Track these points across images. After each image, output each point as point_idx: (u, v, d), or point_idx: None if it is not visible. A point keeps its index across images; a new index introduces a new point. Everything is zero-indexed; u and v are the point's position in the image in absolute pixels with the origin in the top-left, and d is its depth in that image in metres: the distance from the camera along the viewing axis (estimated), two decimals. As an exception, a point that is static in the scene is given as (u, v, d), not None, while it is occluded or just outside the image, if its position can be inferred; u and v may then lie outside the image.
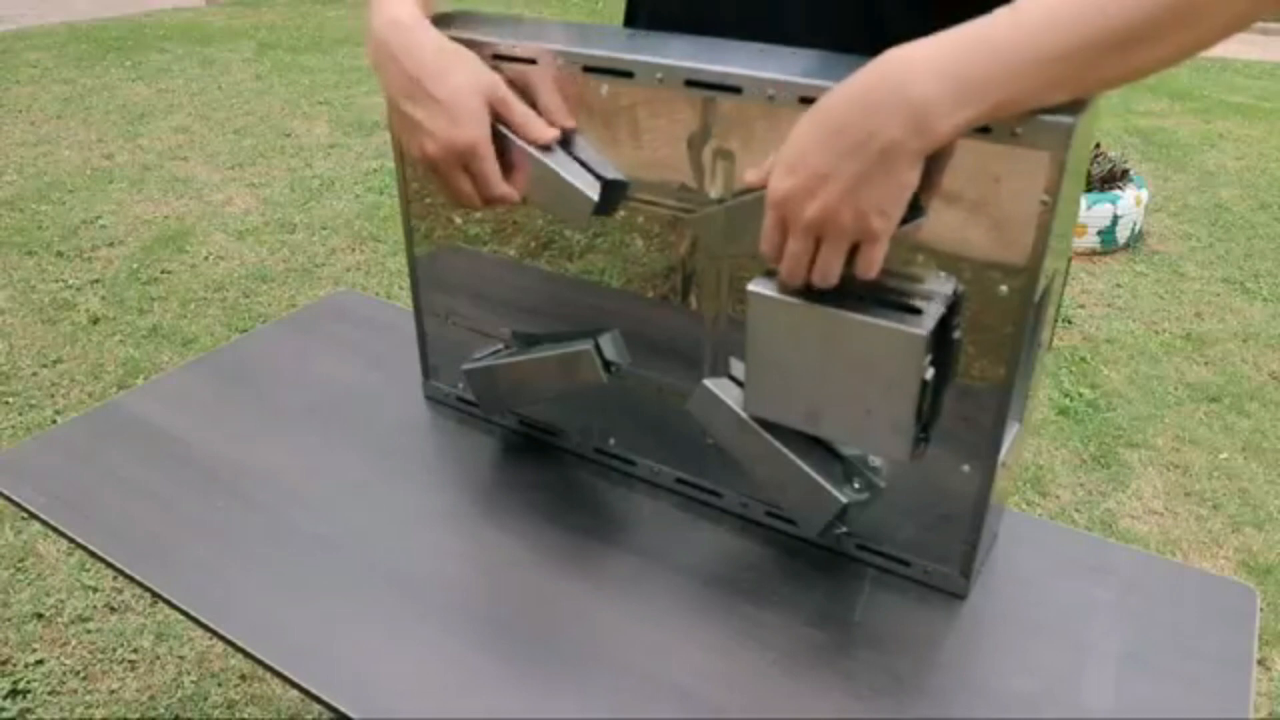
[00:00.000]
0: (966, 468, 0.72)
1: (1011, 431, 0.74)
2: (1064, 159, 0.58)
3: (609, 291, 0.84)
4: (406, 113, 0.72)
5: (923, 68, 0.55)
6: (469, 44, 0.78)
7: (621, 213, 0.79)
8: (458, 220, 0.90)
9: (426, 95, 0.71)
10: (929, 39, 0.56)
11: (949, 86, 0.55)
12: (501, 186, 0.73)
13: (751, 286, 0.69)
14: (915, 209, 0.62)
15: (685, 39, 0.76)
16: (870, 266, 0.61)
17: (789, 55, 0.71)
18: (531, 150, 0.73)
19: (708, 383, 0.75)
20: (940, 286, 0.65)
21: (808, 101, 0.66)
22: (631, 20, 0.93)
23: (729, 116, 0.70)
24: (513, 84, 0.75)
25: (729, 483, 0.86)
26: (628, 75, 0.73)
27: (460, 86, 0.71)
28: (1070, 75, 0.54)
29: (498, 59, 0.78)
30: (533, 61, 0.76)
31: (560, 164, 0.74)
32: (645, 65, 0.72)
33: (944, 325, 0.65)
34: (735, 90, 0.69)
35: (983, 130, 0.60)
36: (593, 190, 0.73)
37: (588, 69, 0.74)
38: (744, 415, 0.73)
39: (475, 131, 0.71)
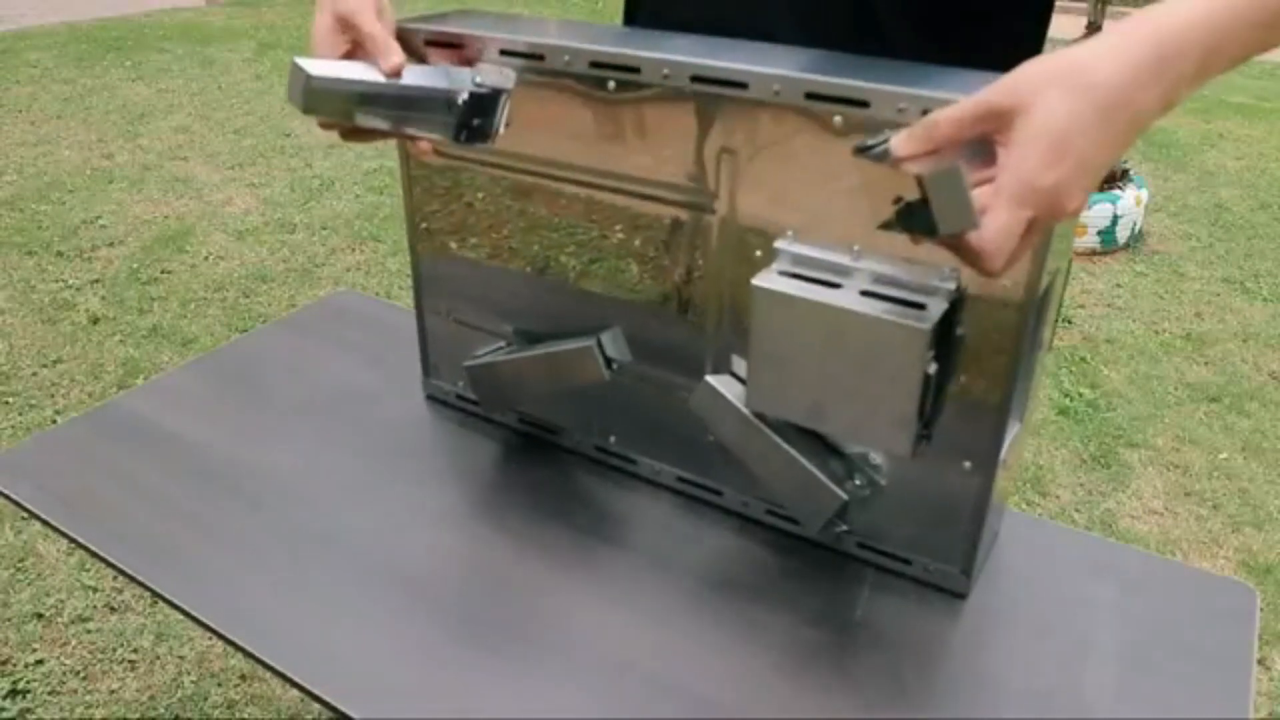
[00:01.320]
0: (967, 465, 0.72)
1: (1012, 431, 0.74)
2: None
3: (611, 287, 0.84)
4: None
5: (1192, 39, 0.50)
6: (471, 40, 0.79)
7: (628, 205, 0.79)
8: (453, 246, 0.90)
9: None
10: (1173, 5, 0.50)
11: (1200, 60, 0.51)
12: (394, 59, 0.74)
13: (756, 281, 0.69)
14: (932, 230, 0.62)
15: (690, 37, 0.76)
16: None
17: (793, 53, 0.71)
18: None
19: (710, 379, 0.75)
20: (943, 282, 0.66)
21: (814, 98, 0.66)
22: (630, 21, 0.93)
23: (733, 112, 0.70)
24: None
25: (730, 481, 0.86)
26: (634, 71, 0.73)
27: (320, 23, 0.75)
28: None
29: (505, 54, 0.78)
30: (540, 58, 0.77)
31: None
32: (651, 61, 0.72)
33: (946, 321, 0.65)
34: (741, 86, 0.69)
35: None
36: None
37: (594, 65, 0.75)
38: (746, 411, 0.73)
39: (321, 47, 0.75)
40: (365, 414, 1.01)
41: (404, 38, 0.82)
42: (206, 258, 3.02)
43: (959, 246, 0.56)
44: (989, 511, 0.75)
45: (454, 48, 0.81)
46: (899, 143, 0.56)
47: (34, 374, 2.38)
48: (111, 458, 0.94)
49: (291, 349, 1.13)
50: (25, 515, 0.88)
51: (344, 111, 0.74)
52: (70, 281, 2.83)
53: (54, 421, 2.19)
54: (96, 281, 2.84)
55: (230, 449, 0.95)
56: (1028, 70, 0.52)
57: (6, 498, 0.88)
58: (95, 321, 2.63)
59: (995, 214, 0.54)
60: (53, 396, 2.30)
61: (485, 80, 0.78)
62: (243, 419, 1.01)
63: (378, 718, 0.68)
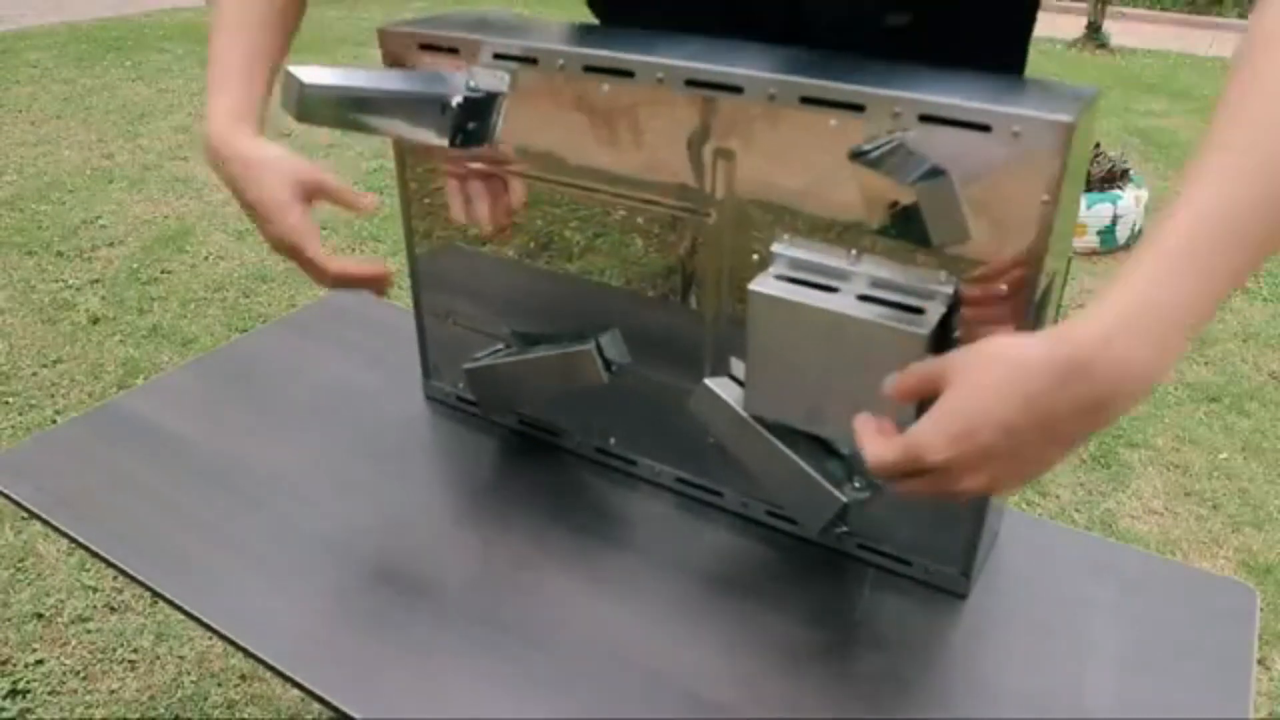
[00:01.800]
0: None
1: None
2: (1064, 158, 0.58)
3: (609, 290, 0.84)
4: (245, 213, 0.79)
5: (1134, 335, 0.48)
6: (465, 44, 0.79)
7: (622, 212, 0.79)
8: (459, 220, 0.90)
9: (245, 204, 0.78)
10: (1112, 308, 0.49)
11: (1159, 355, 0.49)
12: (336, 267, 0.78)
13: (753, 285, 0.69)
14: (925, 240, 0.63)
15: (685, 38, 0.76)
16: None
17: (790, 54, 0.71)
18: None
19: (708, 382, 0.75)
20: (941, 286, 0.66)
21: (809, 101, 0.66)
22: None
23: (729, 115, 0.70)
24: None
25: (729, 482, 0.86)
26: (628, 75, 0.73)
27: (266, 185, 0.76)
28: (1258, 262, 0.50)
29: (498, 58, 0.78)
30: (534, 61, 0.76)
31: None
32: (646, 65, 0.72)
33: (945, 325, 0.65)
34: (736, 90, 0.69)
35: (983, 129, 0.60)
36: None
37: (588, 68, 0.74)
38: (744, 414, 0.73)
39: (289, 230, 0.76)
40: (365, 414, 1.01)
41: (398, 40, 0.83)
42: (206, 258, 3.02)
43: (863, 433, 0.58)
44: (988, 512, 0.75)
45: (448, 51, 0.80)
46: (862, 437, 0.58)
47: (34, 374, 2.38)
48: (111, 458, 0.94)
49: (291, 349, 1.13)
50: (25, 515, 0.88)
51: (339, 119, 0.74)
52: (70, 281, 2.83)
53: (54, 421, 2.20)
54: (96, 281, 2.84)
55: (230, 449, 0.95)
56: (970, 352, 0.53)
57: (6, 498, 0.88)
58: (95, 321, 2.63)
59: (890, 448, 0.54)
60: (53, 396, 2.30)
61: (479, 84, 0.78)
62: (243, 419, 1.01)
63: (377, 717, 0.68)
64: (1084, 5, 7.50)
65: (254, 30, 0.81)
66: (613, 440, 0.91)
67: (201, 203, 3.41)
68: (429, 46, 0.81)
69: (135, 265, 2.94)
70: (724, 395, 0.74)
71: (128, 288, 2.81)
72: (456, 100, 0.76)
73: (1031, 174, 0.60)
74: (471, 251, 0.91)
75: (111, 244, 3.08)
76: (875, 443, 0.56)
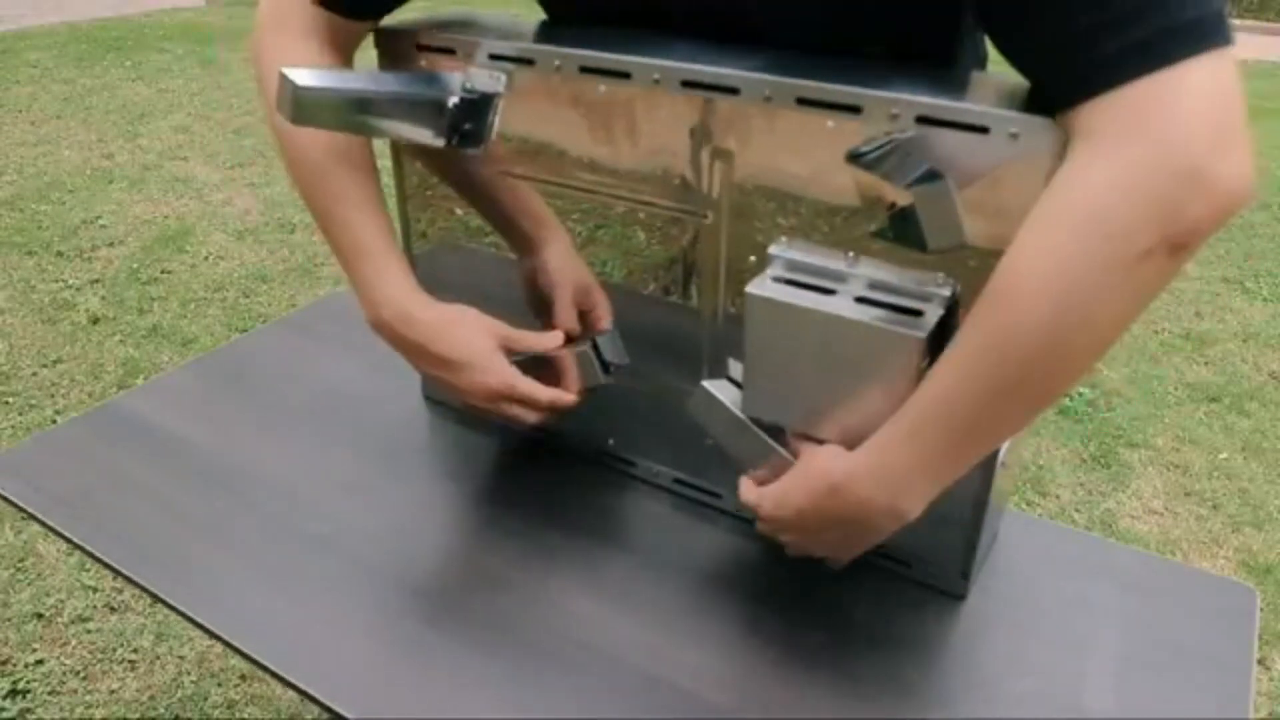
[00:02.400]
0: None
1: None
2: (1062, 160, 0.58)
3: (608, 290, 0.84)
4: (438, 377, 0.81)
5: (867, 485, 0.65)
6: (461, 44, 0.79)
7: (621, 209, 0.79)
8: (458, 212, 0.90)
9: (444, 361, 0.79)
10: (862, 456, 0.65)
11: (891, 499, 0.65)
12: (547, 396, 0.80)
13: (750, 289, 0.69)
14: (921, 244, 0.62)
15: (682, 39, 0.75)
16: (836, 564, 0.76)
17: (785, 55, 0.70)
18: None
19: (706, 384, 0.75)
20: (939, 288, 0.65)
21: (804, 103, 0.66)
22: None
23: (726, 117, 0.70)
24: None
25: (728, 483, 0.86)
26: (625, 76, 0.73)
27: (471, 342, 0.79)
28: (987, 444, 0.64)
29: (494, 59, 0.78)
30: (530, 62, 0.76)
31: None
32: (642, 66, 0.72)
33: (942, 327, 0.65)
34: (733, 91, 0.68)
35: (980, 130, 0.60)
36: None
37: (584, 69, 0.74)
38: (742, 416, 0.73)
39: (501, 375, 0.78)
40: (364, 415, 1.01)
41: (395, 41, 0.82)
42: (206, 258, 3.02)
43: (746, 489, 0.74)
44: (987, 514, 0.75)
45: (444, 52, 0.80)
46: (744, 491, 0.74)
47: (34, 374, 2.38)
48: (111, 458, 0.94)
49: (291, 349, 1.13)
50: (25, 515, 0.88)
51: (334, 121, 0.74)
52: (70, 281, 2.83)
53: (54, 421, 2.19)
54: (96, 281, 2.84)
55: (229, 449, 0.95)
56: (823, 450, 0.68)
57: (5, 499, 0.88)
58: (95, 321, 2.63)
59: (749, 493, 0.73)
60: (53, 396, 2.30)
61: (476, 85, 0.77)
62: (242, 419, 1.01)
63: (374, 718, 0.68)
64: (1084, 5, 7.47)
65: (373, 198, 0.82)
66: (611, 441, 0.91)
67: (201, 203, 3.41)
68: (425, 47, 0.81)
69: (135, 265, 2.94)
70: (722, 397, 0.74)
71: (128, 288, 2.81)
72: (453, 101, 0.76)
73: (1029, 176, 0.59)
74: (470, 250, 0.91)
75: (111, 244, 3.08)
76: (745, 485, 0.74)
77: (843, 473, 0.65)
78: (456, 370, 0.78)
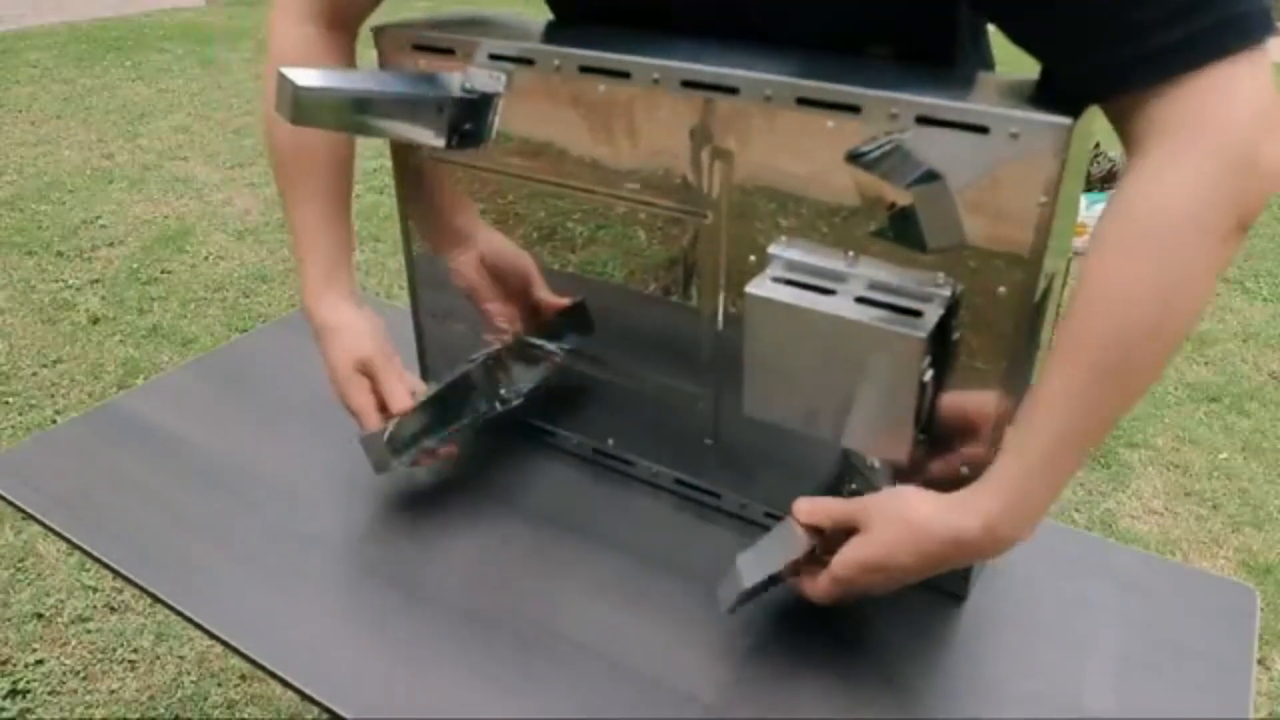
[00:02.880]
0: (965, 470, 0.72)
1: None
2: (1063, 160, 0.58)
3: (606, 290, 0.84)
4: None
5: (1011, 524, 0.63)
6: (460, 44, 0.78)
7: (622, 209, 0.79)
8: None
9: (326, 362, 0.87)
10: (994, 501, 0.63)
11: (1025, 531, 0.64)
12: (369, 423, 0.85)
13: (750, 288, 0.69)
14: (920, 244, 0.62)
15: (682, 38, 0.75)
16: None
17: (785, 55, 0.70)
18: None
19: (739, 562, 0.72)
20: (939, 289, 0.65)
21: (804, 102, 0.65)
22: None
23: (726, 116, 0.70)
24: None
25: (728, 484, 0.86)
26: (624, 76, 0.73)
27: (333, 357, 0.86)
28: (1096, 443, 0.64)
29: (494, 59, 0.78)
30: (530, 62, 0.76)
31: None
32: (641, 66, 0.71)
33: (942, 327, 0.65)
34: (732, 91, 0.68)
35: (980, 130, 0.60)
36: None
37: (584, 69, 0.74)
38: (762, 578, 0.70)
39: (342, 388, 0.86)
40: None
41: (393, 40, 0.82)
42: (206, 258, 3.02)
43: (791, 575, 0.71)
44: None
45: (444, 52, 0.80)
46: (799, 507, 0.69)
47: (34, 374, 2.38)
48: (111, 458, 0.94)
49: (291, 349, 1.13)
50: (25, 515, 0.88)
51: (334, 121, 0.74)
52: (70, 281, 2.83)
53: (54, 421, 2.19)
54: (96, 281, 2.84)
55: (229, 450, 0.95)
56: (890, 506, 0.66)
57: (5, 500, 0.88)
58: (95, 321, 2.63)
59: (820, 581, 0.69)
60: (53, 396, 2.30)
61: (475, 85, 0.77)
62: (242, 419, 1.01)
63: (373, 718, 0.68)
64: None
65: (320, 192, 0.89)
66: (611, 441, 0.91)
67: (201, 203, 3.41)
68: (424, 47, 0.81)
69: (135, 265, 2.94)
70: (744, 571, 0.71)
71: (128, 288, 2.81)
72: (453, 101, 0.76)
73: (1029, 176, 0.59)
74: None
75: (111, 244, 3.08)
76: (808, 583, 0.71)
77: (980, 527, 0.63)
78: (330, 378, 0.87)
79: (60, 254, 2.99)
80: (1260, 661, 1.69)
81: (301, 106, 0.71)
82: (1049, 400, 0.61)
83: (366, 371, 0.85)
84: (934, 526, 0.64)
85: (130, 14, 6.13)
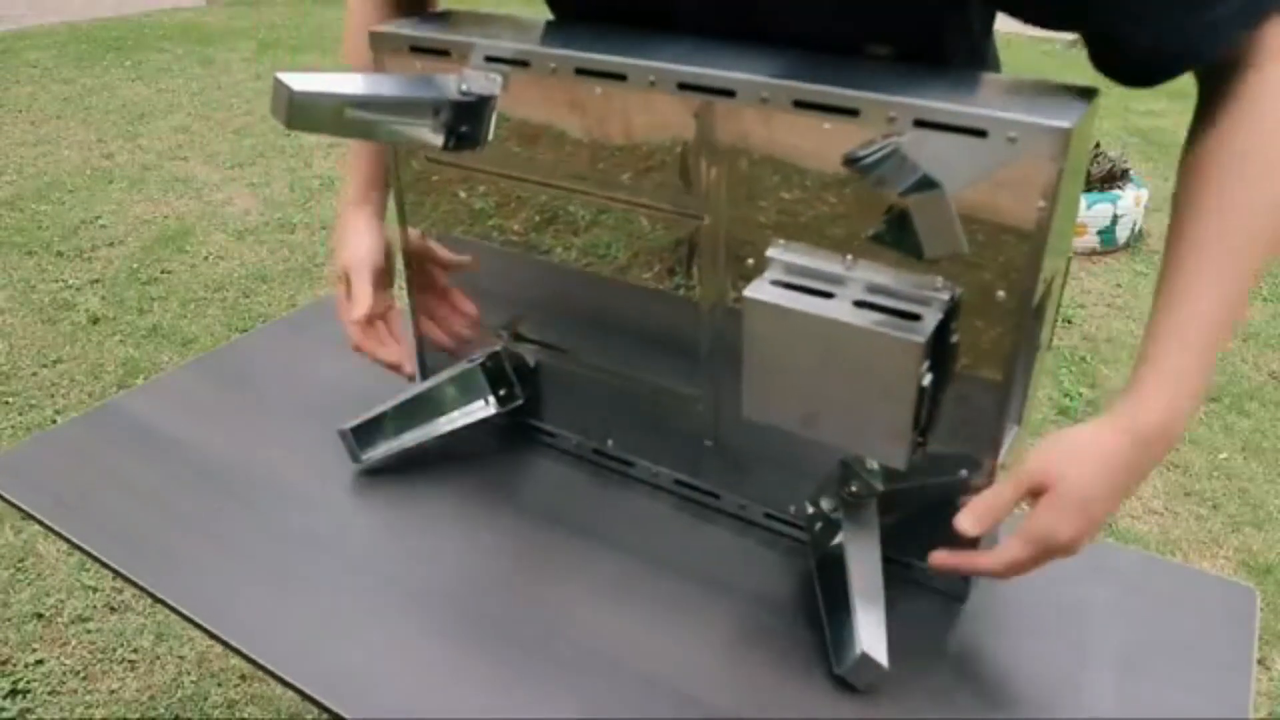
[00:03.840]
0: (964, 472, 0.72)
1: (1010, 434, 0.74)
2: (1062, 164, 0.58)
3: (605, 288, 0.84)
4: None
5: (1182, 417, 0.64)
6: (456, 46, 0.78)
7: (620, 209, 0.79)
8: (461, 194, 0.88)
9: (338, 261, 0.94)
10: (1151, 385, 0.64)
11: (1188, 419, 0.65)
12: (354, 334, 0.94)
13: (748, 292, 0.68)
14: (917, 251, 0.62)
15: (678, 38, 0.75)
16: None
17: (784, 55, 0.70)
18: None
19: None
20: (938, 292, 0.65)
21: (802, 105, 0.65)
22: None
23: (723, 118, 0.70)
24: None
25: (727, 484, 0.86)
26: (620, 78, 0.72)
27: (334, 263, 0.93)
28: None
29: (490, 61, 0.77)
30: (526, 64, 0.76)
31: None
32: (638, 68, 0.71)
33: (941, 331, 0.64)
34: (729, 94, 0.68)
35: (978, 133, 0.60)
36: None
37: (580, 71, 0.74)
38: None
39: (355, 288, 0.92)
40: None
41: (390, 42, 0.81)
42: (206, 258, 3.02)
43: (965, 564, 0.70)
44: None
45: (440, 54, 0.80)
46: (969, 525, 0.67)
47: (34, 374, 2.38)
48: (111, 458, 0.94)
49: (291, 349, 1.13)
50: (25, 515, 0.88)
51: (330, 126, 0.73)
52: (70, 281, 2.83)
53: (54, 421, 2.19)
54: (96, 281, 2.84)
55: (229, 450, 0.95)
56: (1052, 451, 0.65)
57: (5, 499, 0.88)
58: (95, 321, 2.63)
59: (1010, 548, 0.67)
60: (53, 396, 2.30)
61: (471, 87, 0.77)
62: (242, 419, 1.01)
63: (373, 718, 0.68)
64: (1084, 5, 7.46)
65: None
66: (610, 442, 0.91)
67: (201, 203, 3.41)
68: (420, 49, 0.81)
69: (135, 265, 2.94)
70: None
71: (128, 288, 2.81)
72: (449, 104, 0.76)
73: (1029, 179, 0.59)
74: (465, 250, 0.91)
75: (111, 244, 3.08)
76: (1008, 549, 0.67)
77: (1158, 422, 0.63)
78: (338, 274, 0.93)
79: (60, 254, 2.99)
80: (1260, 661, 1.69)
81: (296, 111, 0.70)
82: (1198, 286, 0.63)
83: (347, 278, 0.92)
84: (1115, 447, 0.63)
85: (130, 14, 6.13)
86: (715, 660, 0.73)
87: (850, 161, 0.64)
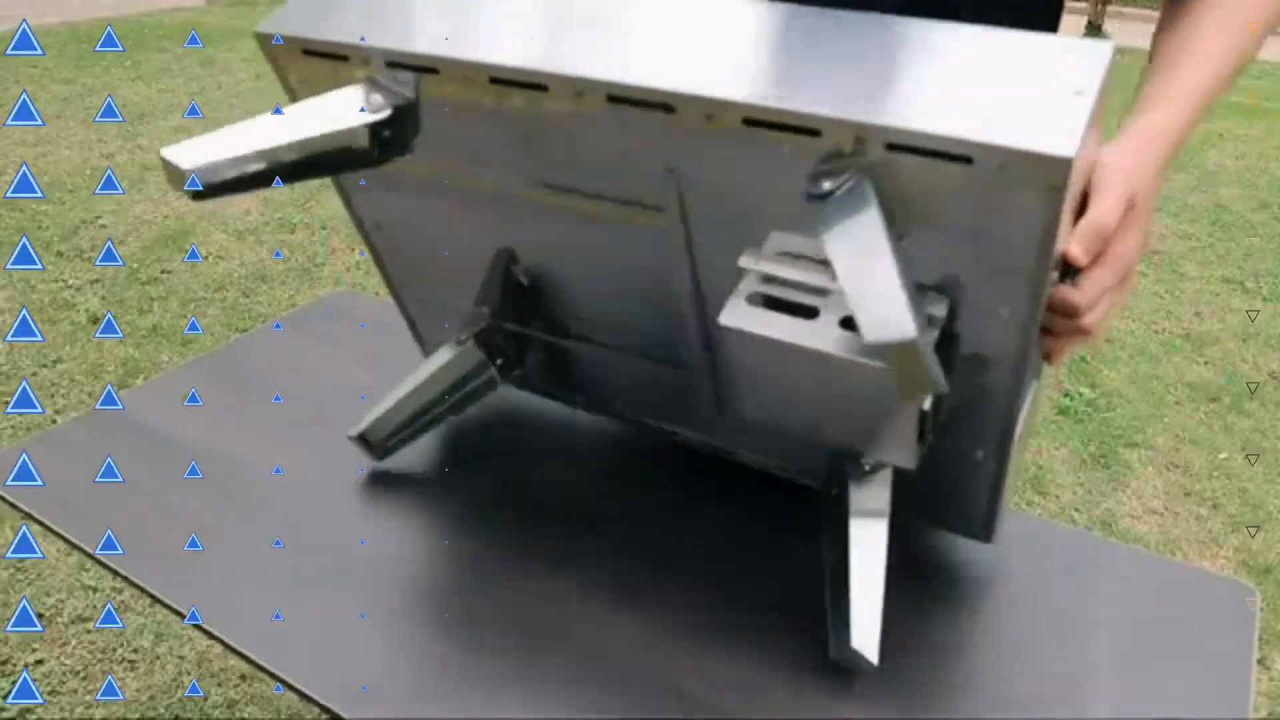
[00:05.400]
0: (980, 454, 0.71)
1: (1030, 389, 0.69)
2: (1062, 195, 0.51)
3: (598, 287, 0.83)
4: None
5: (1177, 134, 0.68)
6: (354, 50, 0.68)
7: (577, 216, 0.73)
8: (412, 196, 0.80)
9: None
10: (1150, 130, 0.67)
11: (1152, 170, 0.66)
12: None
13: (723, 319, 0.60)
14: (936, 387, 0.58)
15: (623, 26, 0.63)
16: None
17: (749, 59, 0.59)
18: None
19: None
20: (933, 309, 0.60)
21: (751, 124, 0.55)
22: None
23: (668, 129, 0.59)
24: None
25: (739, 442, 0.85)
26: (541, 89, 0.62)
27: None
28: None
29: (393, 67, 0.67)
30: (434, 71, 0.65)
31: None
32: (560, 79, 0.60)
33: (939, 348, 0.60)
34: (666, 109, 0.57)
35: (964, 161, 0.52)
36: None
37: (495, 81, 0.63)
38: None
39: None
40: (364, 414, 1.01)
41: (278, 48, 0.72)
42: (206, 258, 3.02)
43: (1051, 304, 0.62)
44: (1010, 465, 0.71)
45: (337, 59, 0.69)
46: (1080, 253, 0.60)
47: (34, 374, 2.38)
48: (111, 458, 0.94)
49: (291, 349, 1.13)
50: (25, 515, 0.88)
51: (245, 185, 0.64)
52: (70, 281, 2.83)
53: (54, 421, 2.19)
54: (96, 281, 2.84)
55: (229, 450, 0.95)
56: (1120, 165, 0.62)
57: (4, 500, 0.88)
58: (95, 321, 2.62)
59: (1098, 279, 0.61)
60: (53, 396, 2.30)
61: (384, 100, 0.67)
62: (242, 419, 1.00)
63: (373, 718, 0.68)
64: (1084, 5, 7.49)
65: None
66: (619, 404, 0.89)
67: (201, 203, 3.40)
68: (316, 53, 0.70)
69: (135, 265, 2.94)
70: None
71: (128, 288, 2.81)
72: (365, 124, 0.66)
73: (1022, 210, 0.52)
74: (442, 245, 0.85)
75: (111, 244, 3.08)
76: (1096, 280, 0.62)
77: (1163, 119, 0.67)
78: None
79: (60, 254, 2.99)
80: (1260, 661, 1.69)
81: (202, 184, 0.62)
82: (1204, 54, 0.69)
83: None
84: (1145, 146, 0.65)
85: (130, 14, 6.13)
86: (717, 659, 0.73)
87: (814, 198, 0.54)
